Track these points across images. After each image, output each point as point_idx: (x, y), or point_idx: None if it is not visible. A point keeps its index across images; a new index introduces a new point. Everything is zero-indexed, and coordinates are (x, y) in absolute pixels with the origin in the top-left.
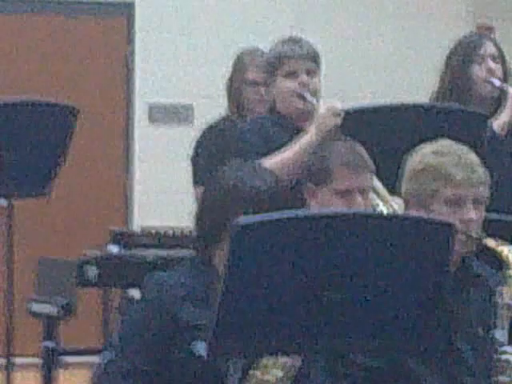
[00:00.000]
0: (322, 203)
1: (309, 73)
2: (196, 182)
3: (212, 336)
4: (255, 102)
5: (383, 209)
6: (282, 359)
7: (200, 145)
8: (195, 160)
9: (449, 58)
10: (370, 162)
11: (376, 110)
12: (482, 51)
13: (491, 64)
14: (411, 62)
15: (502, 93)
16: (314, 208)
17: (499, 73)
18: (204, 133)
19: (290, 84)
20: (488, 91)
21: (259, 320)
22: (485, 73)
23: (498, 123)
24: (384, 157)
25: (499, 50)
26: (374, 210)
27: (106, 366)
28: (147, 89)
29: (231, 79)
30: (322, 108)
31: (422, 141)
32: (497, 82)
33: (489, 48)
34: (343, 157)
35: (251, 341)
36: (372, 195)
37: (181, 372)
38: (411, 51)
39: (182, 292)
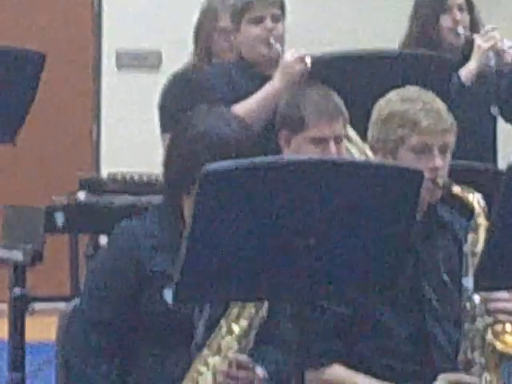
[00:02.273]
0: (297, 151)
1: (274, 19)
2: (163, 130)
3: (177, 282)
4: (225, 50)
5: (357, 156)
6: (249, 309)
7: (167, 92)
8: (162, 107)
9: (417, 6)
10: (344, 110)
11: (345, 57)
12: (449, 2)
13: (457, 14)
14: (379, 9)
15: (469, 42)
16: (288, 155)
17: (465, 22)
18: (170, 80)
19: (255, 30)
20: (455, 41)
21: (225, 267)
22: (451, 23)
23: (465, 72)
24: (355, 104)
25: None
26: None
27: (73, 313)
28: (115, 35)
29: (200, 25)
30: (288, 54)
31: (391, 88)
32: (462, 32)
33: None
34: (317, 105)
35: (217, 288)
36: (346, 143)
37: (150, 320)
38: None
39: (150, 241)
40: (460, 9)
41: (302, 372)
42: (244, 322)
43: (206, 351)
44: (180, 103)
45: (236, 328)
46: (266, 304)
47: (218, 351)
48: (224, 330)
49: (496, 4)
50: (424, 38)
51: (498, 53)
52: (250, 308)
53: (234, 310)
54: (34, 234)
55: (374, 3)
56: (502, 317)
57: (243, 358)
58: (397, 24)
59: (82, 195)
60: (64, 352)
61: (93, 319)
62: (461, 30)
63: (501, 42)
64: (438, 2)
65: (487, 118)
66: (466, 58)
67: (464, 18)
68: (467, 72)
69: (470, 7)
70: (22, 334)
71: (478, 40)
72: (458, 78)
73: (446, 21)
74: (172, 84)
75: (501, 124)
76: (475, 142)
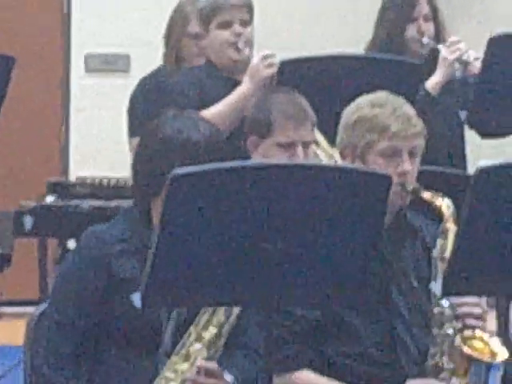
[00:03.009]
0: (265, 155)
1: (243, 23)
2: (131, 133)
3: (145, 286)
4: (194, 55)
5: (325, 161)
6: (218, 316)
7: (135, 96)
8: (131, 111)
9: (383, 11)
10: (312, 114)
11: (314, 61)
12: (415, 12)
13: (423, 25)
14: (345, 12)
15: (434, 52)
16: (256, 159)
17: (430, 32)
18: (139, 84)
19: (223, 34)
20: (420, 50)
21: (193, 271)
22: (416, 33)
23: (430, 82)
24: (324, 108)
25: (433, 6)
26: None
27: (41, 317)
28: (83, 38)
29: (170, 30)
30: (255, 58)
31: (361, 92)
32: (427, 42)
33: (422, 8)
34: (285, 109)
35: (185, 292)
36: (314, 147)
37: (119, 325)
38: (345, 2)
39: (119, 245)
40: (425, 19)
41: (270, 377)
42: (213, 330)
43: (174, 358)
44: (149, 108)
45: (205, 335)
46: (235, 311)
47: (187, 358)
48: (193, 336)
49: (460, 10)
50: (389, 45)
51: (464, 64)
52: (220, 315)
53: (204, 317)
54: (3, 238)
55: (347, 7)
56: (470, 322)
57: (212, 365)
58: (370, 28)
59: (50, 199)
60: (31, 356)
61: (60, 324)
62: (426, 40)
63: (466, 53)
64: (405, 11)
65: (455, 125)
66: (430, 67)
67: (429, 27)
68: (433, 83)
69: (435, 15)
70: None
71: (444, 52)
72: (424, 89)
73: (411, 30)
74: (141, 88)
75: (469, 130)
76: (444, 149)
